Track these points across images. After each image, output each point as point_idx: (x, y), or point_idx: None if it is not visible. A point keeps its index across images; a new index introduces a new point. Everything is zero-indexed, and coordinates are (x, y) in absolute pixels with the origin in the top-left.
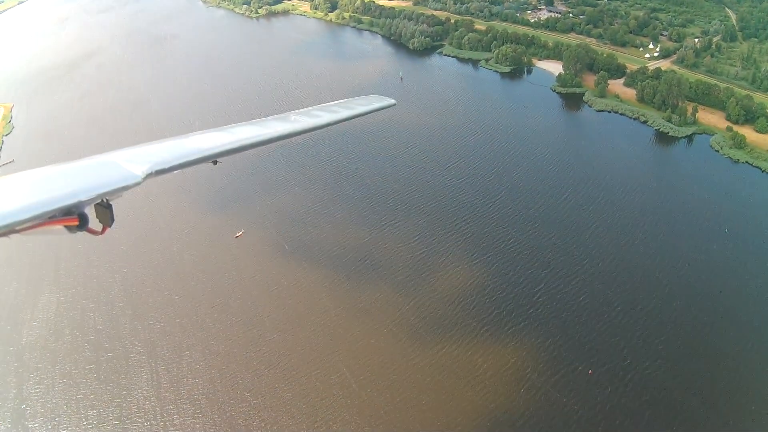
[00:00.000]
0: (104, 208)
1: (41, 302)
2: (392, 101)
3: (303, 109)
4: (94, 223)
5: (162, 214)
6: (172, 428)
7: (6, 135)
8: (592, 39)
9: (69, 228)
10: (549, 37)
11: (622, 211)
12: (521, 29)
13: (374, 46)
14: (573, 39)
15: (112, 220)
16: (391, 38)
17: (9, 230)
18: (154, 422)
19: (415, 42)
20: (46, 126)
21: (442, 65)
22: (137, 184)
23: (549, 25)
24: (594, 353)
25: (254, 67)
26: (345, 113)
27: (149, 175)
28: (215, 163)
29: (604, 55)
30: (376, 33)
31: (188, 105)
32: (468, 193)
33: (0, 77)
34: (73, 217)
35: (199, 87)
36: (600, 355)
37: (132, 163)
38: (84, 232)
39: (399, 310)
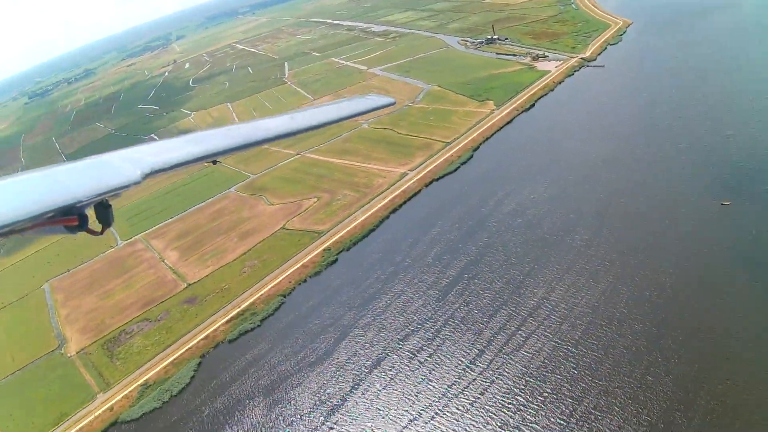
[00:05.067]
0: (104, 208)
1: None
2: (392, 100)
3: (302, 108)
4: (93, 222)
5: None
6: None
7: (612, 44)
8: None
9: (68, 228)
10: None
11: None
12: None
13: None
14: None
15: (112, 219)
16: None
17: (8, 230)
18: None
19: None
20: (646, 49)
21: None
22: (136, 184)
23: None
24: None
25: None
26: (344, 112)
27: (148, 175)
28: (215, 162)
29: None
30: None
31: None
32: None
33: None
34: (72, 217)
35: None
36: None
37: (131, 163)
38: (84, 232)
39: None
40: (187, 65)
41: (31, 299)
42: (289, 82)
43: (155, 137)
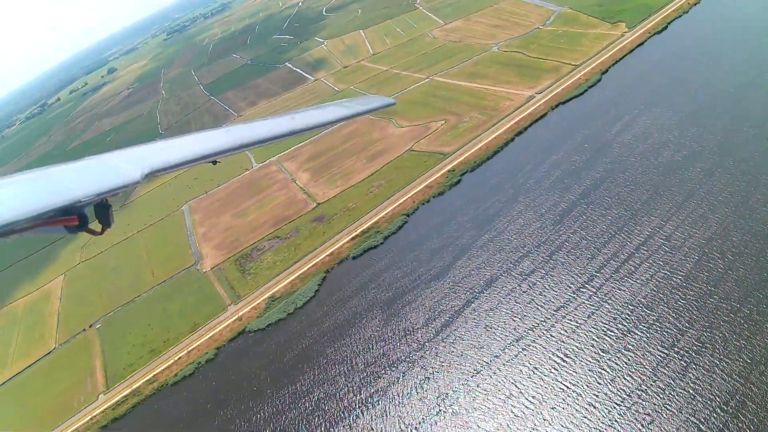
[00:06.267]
0: (103, 208)
1: None
2: (392, 101)
3: (303, 109)
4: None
5: None
6: None
7: None
8: None
9: (68, 228)
10: None
11: None
12: None
13: None
14: None
15: (112, 220)
16: None
17: (8, 230)
18: None
19: None
20: None
21: None
22: (136, 184)
23: None
24: None
25: None
26: (344, 112)
27: (148, 175)
28: (214, 163)
29: None
30: None
31: None
32: None
33: None
34: (72, 217)
35: None
36: None
37: (131, 163)
38: (84, 232)
39: None
40: None
41: (171, 219)
42: (420, 8)
43: (289, 65)
